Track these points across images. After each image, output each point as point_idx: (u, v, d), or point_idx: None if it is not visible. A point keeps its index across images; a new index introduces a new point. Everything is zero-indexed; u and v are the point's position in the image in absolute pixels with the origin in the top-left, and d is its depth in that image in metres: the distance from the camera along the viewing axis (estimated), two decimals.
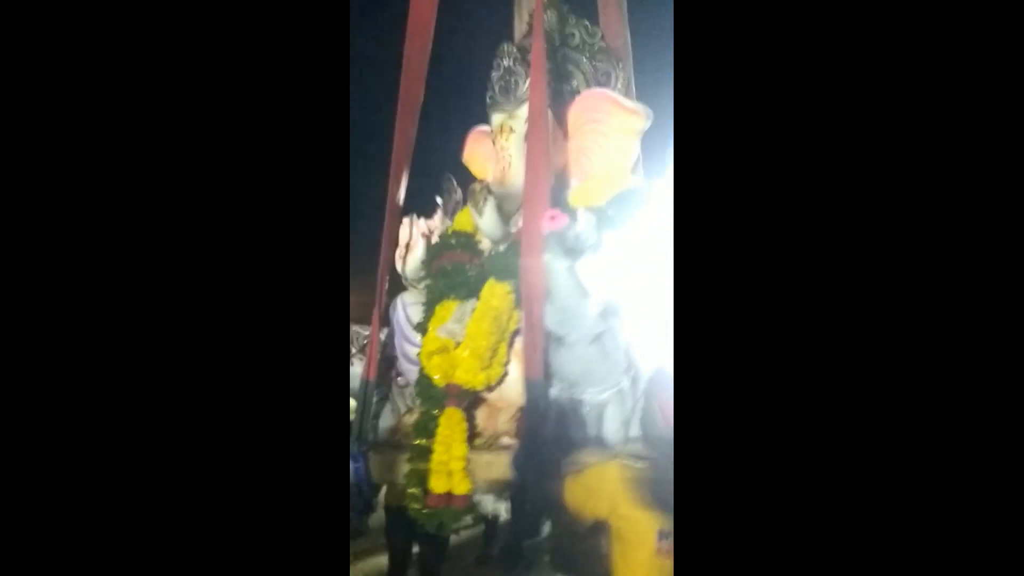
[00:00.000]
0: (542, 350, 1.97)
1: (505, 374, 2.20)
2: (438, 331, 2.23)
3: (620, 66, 2.90)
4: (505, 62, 2.76)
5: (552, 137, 2.68)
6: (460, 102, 2.91)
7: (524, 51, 2.79)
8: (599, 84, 2.82)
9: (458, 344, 2.18)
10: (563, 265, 1.83)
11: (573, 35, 2.90)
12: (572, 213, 2.12)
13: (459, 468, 2.05)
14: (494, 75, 2.78)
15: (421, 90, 2.57)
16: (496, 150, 2.68)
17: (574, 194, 2.45)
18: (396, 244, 2.50)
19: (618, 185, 2.45)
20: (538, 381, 1.91)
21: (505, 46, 2.76)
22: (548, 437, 1.80)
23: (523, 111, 2.65)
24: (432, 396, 2.18)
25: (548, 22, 2.92)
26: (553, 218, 1.92)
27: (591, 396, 1.95)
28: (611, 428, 1.91)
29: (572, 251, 1.90)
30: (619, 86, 2.89)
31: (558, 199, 2.44)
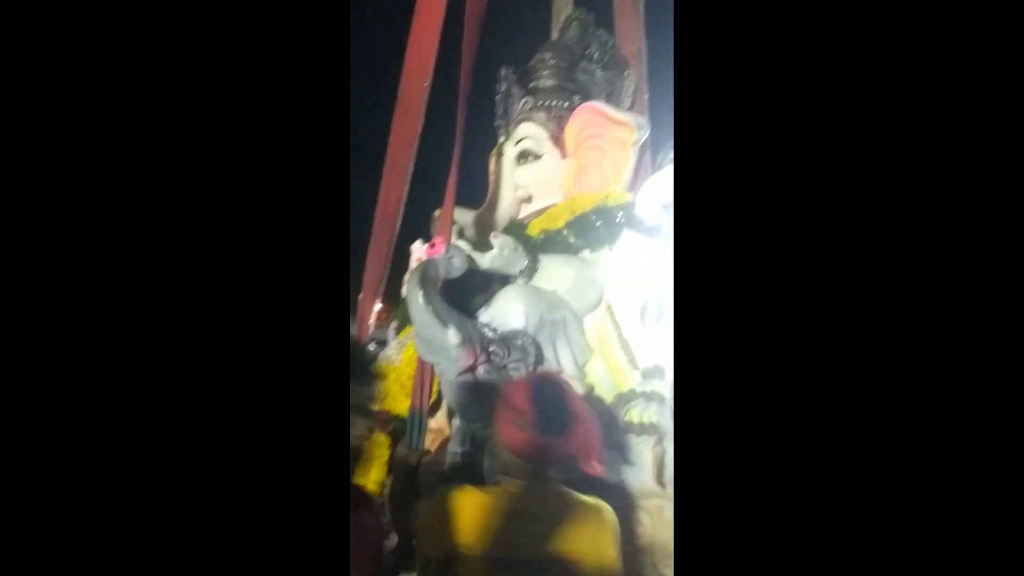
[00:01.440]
0: (428, 379, 1.94)
1: (437, 401, 2.18)
2: (380, 356, 2.29)
3: (629, 74, 2.69)
4: (504, 85, 2.76)
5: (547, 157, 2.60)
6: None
7: (522, 72, 2.75)
8: (607, 94, 2.64)
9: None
10: (419, 294, 1.77)
11: (590, 47, 2.76)
12: (483, 241, 2.04)
13: (375, 493, 2.07)
14: (497, 99, 2.79)
15: (418, 123, 2.64)
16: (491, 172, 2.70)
17: (537, 219, 2.34)
18: (383, 271, 2.60)
19: (590, 204, 2.29)
20: (414, 409, 1.89)
21: (503, 71, 2.75)
22: (412, 466, 1.77)
23: (517, 131, 2.62)
24: (366, 421, 2.24)
25: (570, 36, 2.83)
26: (432, 246, 1.89)
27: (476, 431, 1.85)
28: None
29: (440, 280, 1.84)
30: (626, 94, 2.69)
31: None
